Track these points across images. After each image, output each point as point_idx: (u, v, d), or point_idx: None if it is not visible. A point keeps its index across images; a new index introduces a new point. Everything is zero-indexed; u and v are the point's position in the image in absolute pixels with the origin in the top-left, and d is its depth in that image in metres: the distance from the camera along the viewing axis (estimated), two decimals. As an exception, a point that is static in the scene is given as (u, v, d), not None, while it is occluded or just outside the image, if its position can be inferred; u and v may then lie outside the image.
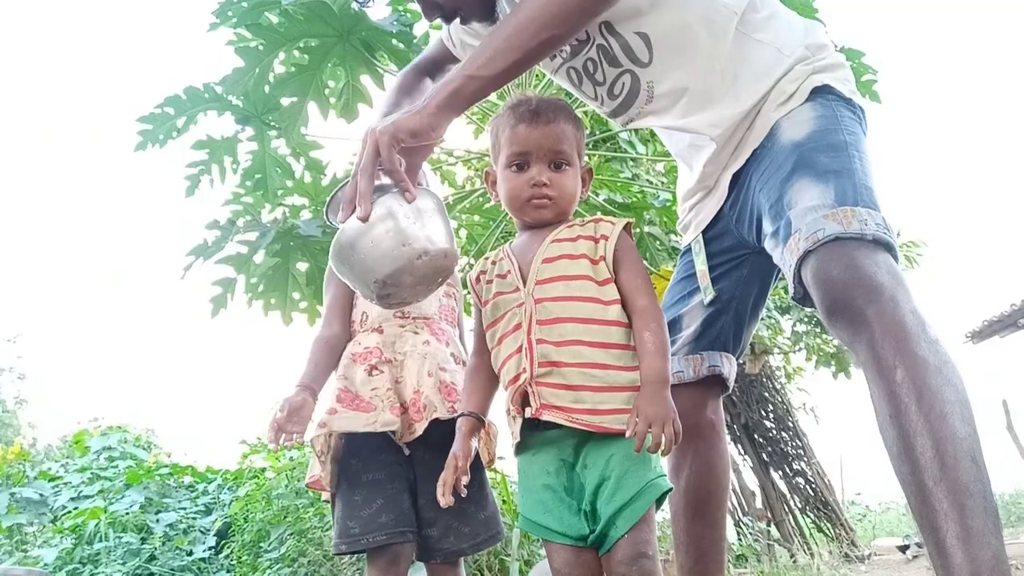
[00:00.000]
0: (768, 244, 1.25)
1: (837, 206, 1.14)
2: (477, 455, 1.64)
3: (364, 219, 1.14)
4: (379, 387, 1.71)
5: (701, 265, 1.50)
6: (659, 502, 1.22)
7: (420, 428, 1.67)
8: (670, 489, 1.23)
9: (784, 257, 1.18)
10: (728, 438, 7.31)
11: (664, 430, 1.14)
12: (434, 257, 1.16)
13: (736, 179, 1.40)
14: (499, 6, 1.46)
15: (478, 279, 1.39)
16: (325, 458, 1.72)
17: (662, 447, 1.15)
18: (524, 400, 1.24)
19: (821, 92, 1.31)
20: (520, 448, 1.29)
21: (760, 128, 1.33)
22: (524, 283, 1.29)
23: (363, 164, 1.16)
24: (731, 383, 1.55)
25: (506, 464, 4.03)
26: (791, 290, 1.19)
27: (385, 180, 1.21)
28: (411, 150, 1.23)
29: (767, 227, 1.25)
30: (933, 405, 0.97)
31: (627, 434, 1.15)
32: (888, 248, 1.12)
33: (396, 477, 1.71)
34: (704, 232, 1.51)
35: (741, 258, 1.48)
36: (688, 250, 1.56)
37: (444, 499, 1.26)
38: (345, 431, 1.69)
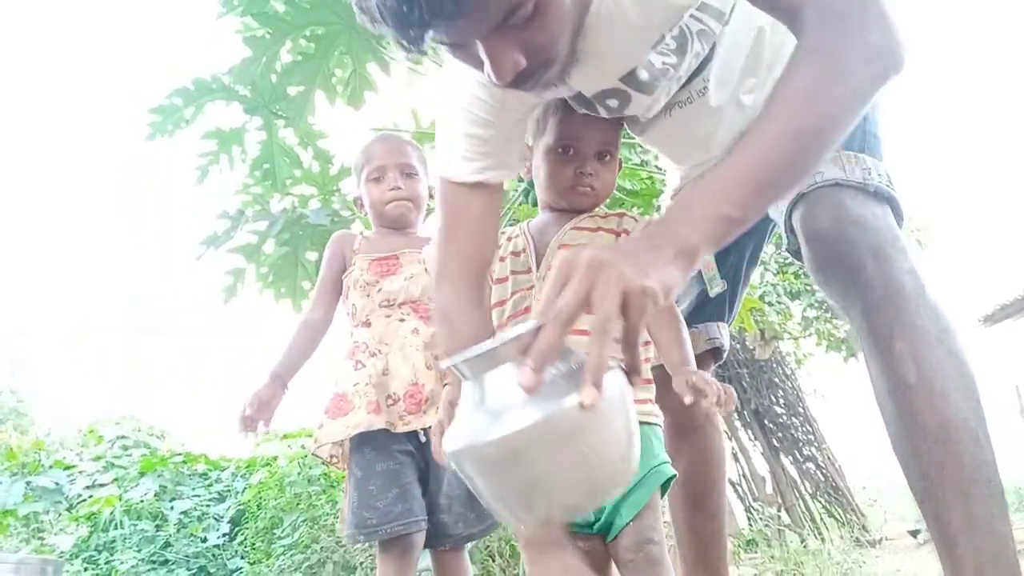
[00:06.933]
0: None
1: (841, 149, 1.03)
2: None
3: (588, 405, 0.67)
4: (359, 382, 1.72)
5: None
6: (663, 488, 1.23)
7: (426, 421, 1.68)
8: (674, 476, 1.24)
9: (776, 205, 1.07)
10: (738, 424, 7.30)
11: (724, 390, 1.11)
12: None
13: None
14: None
15: None
16: (340, 461, 1.75)
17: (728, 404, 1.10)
18: None
19: None
20: None
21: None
22: (537, 266, 1.29)
23: (601, 318, 0.70)
24: (726, 351, 1.49)
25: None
26: (784, 240, 1.09)
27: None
28: None
29: None
30: (934, 382, 0.91)
31: (690, 400, 1.10)
32: (889, 203, 1.03)
33: (408, 466, 1.72)
34: None
35: None
36: None
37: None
38: (331, 441, 1.71)
